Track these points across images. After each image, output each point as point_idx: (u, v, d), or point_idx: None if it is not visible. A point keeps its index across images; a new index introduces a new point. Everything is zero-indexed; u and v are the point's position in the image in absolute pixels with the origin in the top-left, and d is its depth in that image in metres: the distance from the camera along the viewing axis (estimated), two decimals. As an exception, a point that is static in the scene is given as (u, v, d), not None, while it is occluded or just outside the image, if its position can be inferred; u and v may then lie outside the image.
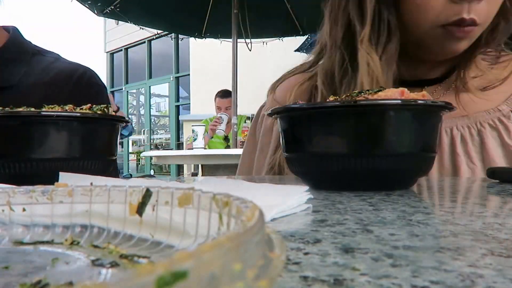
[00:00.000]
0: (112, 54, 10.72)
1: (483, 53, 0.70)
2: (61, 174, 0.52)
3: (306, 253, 0.20)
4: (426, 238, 0.23)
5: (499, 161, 0.65)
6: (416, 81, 0.71)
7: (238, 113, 3.22)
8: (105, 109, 0.51)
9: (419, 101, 0.43)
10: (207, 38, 3.96)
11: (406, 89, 0.45)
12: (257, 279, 0.11)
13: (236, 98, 3.23)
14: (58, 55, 0.96)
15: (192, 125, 3.18)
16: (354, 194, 0.41)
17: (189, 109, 8.92)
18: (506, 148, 0.66)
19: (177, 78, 9.29)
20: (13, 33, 0.90)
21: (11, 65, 0.85)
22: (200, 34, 3.89)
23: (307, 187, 0.35)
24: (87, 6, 3.29)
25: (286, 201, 0.31)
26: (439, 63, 0.71)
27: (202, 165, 3.57)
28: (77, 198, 0.23)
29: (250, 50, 3.48)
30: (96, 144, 0.51)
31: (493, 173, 0.54)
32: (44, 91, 0.84)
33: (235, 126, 3.16)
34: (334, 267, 0.18)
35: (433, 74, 0.72)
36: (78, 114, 0.48)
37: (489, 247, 0.20)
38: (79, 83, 0.89)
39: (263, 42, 4.14)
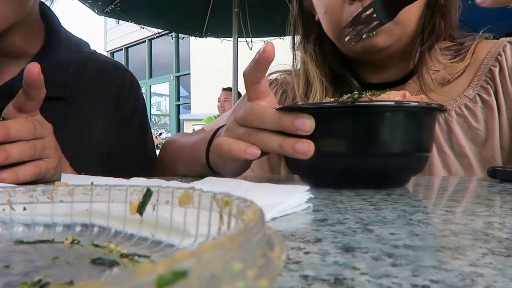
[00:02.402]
0: (112, 53, 10.73)
1: (444, 50, 0.73)
2: (63, 174, 0.52)
3: (306, 253, 0.20)
4: (426, 238, 0.23)
5: (467, 146, 0.67)
6: (381, 84, 0.76)
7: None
8: None
9: (415, 103, 0.44)
10: (207, 37, 3.96)
11: (407, 92, 0.46)
12: (258, 279, 0.11)
13: (237, 98, 3.23)
14: (90, 47, 0.83)
15: (193, 124, 3.18)
16: (354, 193, 0.41)
17: (190, 108, 8.93)
18: (473, 132, 0.68)
19: (177, 77, 9.29)
20: (49, 22, 0.73)
21: (61, 71, 0.71)
22: (200, 33, 3.88)
23: (307, 187, 0.35)
24: (88, 5, 3.29)
25: (287, 200, 0.31)
26: (399, 65, 0.75)
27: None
28: (78, 197, 0.23)
29: (251, 49, 3.48)
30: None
31: (493, 172, 0.54)
32: (92, 92, 0.75)
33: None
34: (334, 266, 0.18)
35: (396, 76, 0.76)
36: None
37: (489, 246, 0.20)
38: (125, 87, 0.80)
39: (264, 41, 4.13)
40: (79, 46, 0.79)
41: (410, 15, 0.67)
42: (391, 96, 0.45)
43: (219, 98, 3.82)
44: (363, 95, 0.48)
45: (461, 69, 0.71)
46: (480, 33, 0.75)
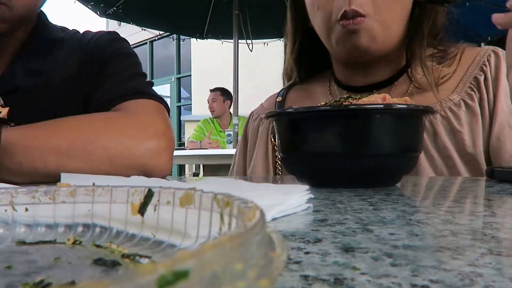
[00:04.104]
0: (113, 55, 10.71)
1: (428, 57, 0.74)
2: (63, 174, 0.52)
3: (306, 253, 0.20)
4: (425, 238, 0.23)
5: (452, 148, 0.68)
6: (366, 86, 0.77)
7: (239, 114, 3.23)
8: None
9: (404, 106, 0.46)
10: (208, 39, 3.97)
11: (387, 95, 0.48)
12: (258, 279, 0.11)
13: (237, 99, 3.23)
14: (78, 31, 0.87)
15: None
16: (354, 193, 0.41)
17: (191, 110, 8.92)
18: (456, 134, 0.69)
19: (178, 79, 9.29)
20: (39, 18, 0.80)
21: (42, 57, 0.76)
22: (201, 35, 3.89)
23: (307, 187, 0.35)
24: (90, 7, 3.29)
25: (287, 201, 0.31)
26: (385, 68, 0.76)
27: (203, 165, 3.58)
28: (80, 198, 0.23)
29: (251, 51, 3.48)
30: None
31: (492, 172, 0.54)
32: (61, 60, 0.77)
33: (236, 127, 3.17)
34: (334, 266, 0.18)
35: (381, 77, 0.77)
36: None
37: (488, 246, 0.21)
38: (98, 39, 0.81)
39: (264, 42, 4.14)
40: (65, 29, 0.85)
41: (393, 14, 0.69)
42: (372, 100, 0.47)
43: (208, 99, 3.84)
44: (348, 99, 0.49)
45: (448, 74, 0.72)
46: (461, 41, 0.77)
